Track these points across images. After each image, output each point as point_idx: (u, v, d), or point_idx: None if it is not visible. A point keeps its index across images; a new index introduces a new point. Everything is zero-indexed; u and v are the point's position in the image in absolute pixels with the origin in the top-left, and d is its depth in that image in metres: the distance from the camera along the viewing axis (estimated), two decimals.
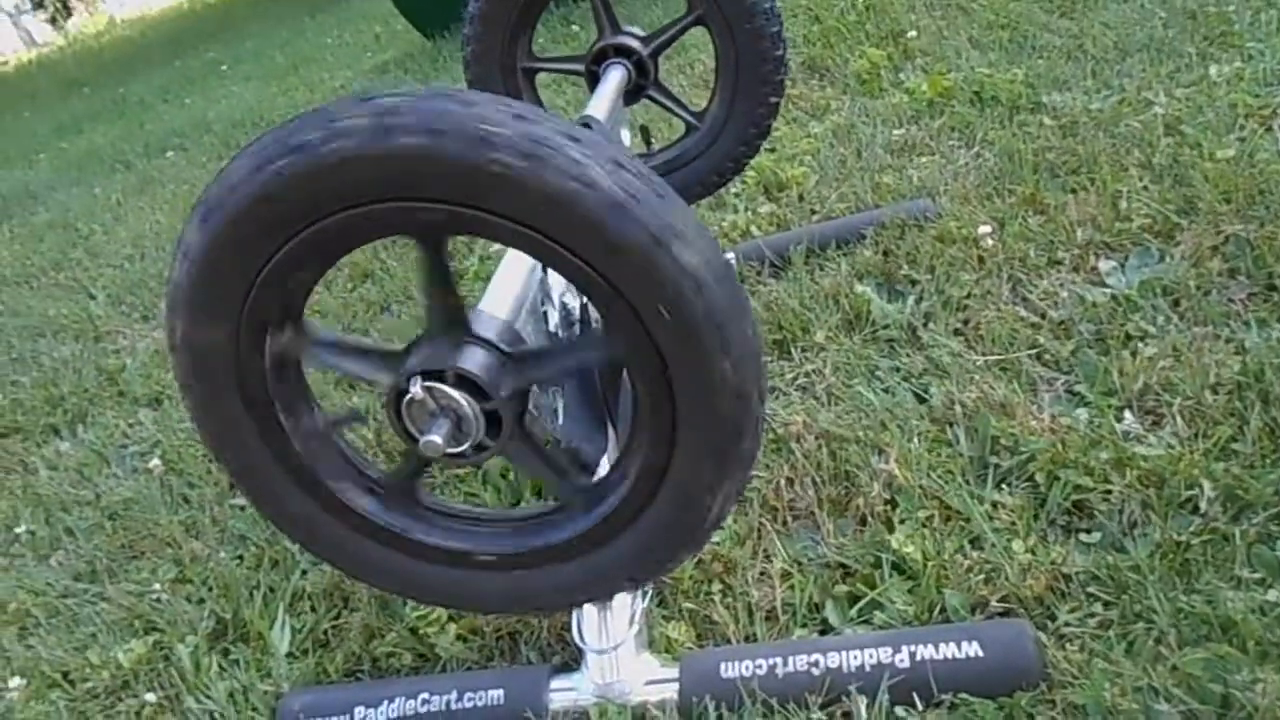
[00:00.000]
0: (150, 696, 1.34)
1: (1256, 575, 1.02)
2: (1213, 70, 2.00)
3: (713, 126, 1.73)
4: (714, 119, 1.73)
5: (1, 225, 4.52)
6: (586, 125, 1.32)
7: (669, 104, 1.75)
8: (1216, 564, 1.05)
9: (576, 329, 1.22)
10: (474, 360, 0.86)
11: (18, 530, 1.85)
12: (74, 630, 1.53)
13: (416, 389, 0.86)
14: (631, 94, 1.71)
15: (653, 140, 1.84)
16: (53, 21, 21.18)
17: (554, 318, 1.19)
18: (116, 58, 11.43)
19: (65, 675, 1.44)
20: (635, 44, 1.69)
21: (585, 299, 1.23)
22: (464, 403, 0.86)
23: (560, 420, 1.13)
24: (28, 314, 3.07)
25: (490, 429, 0.89)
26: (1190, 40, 2.18)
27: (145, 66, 9.39)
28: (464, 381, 0.86)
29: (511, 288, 1.07)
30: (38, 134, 7.31)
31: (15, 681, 1.45)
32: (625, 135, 1.71)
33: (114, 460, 2.00)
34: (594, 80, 1.71)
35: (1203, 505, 1.11)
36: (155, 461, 1.91)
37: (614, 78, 1.65)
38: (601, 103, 1.55)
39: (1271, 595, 0.99)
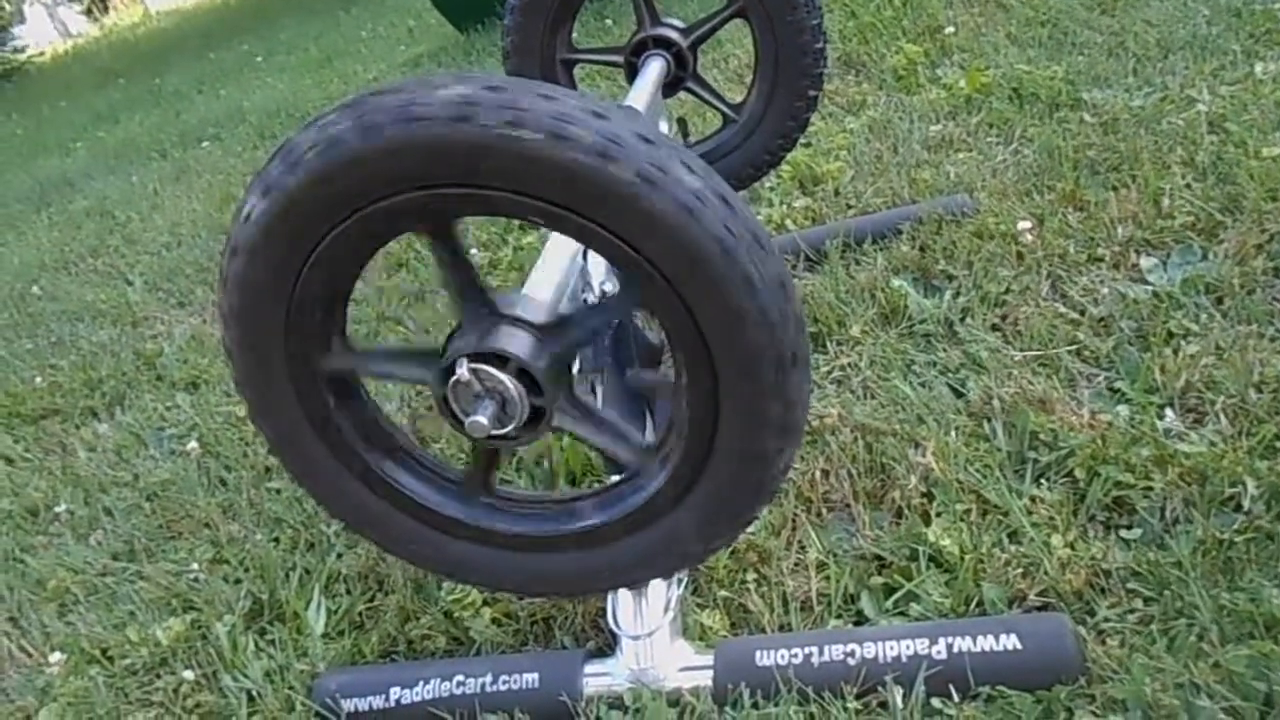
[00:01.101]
0: (188, 674, 1.36)
1: None
2: (1258, 68, 1.97)
3: (750, 119, 1.73)
4: (752, 112, 1.72)
5: (40, 212, 4.59)
6: None
7: (707, 96, 1.75)
8: (1260, 562, 1.04)
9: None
10: (507, 338, 0.87)
11: (57, 509, 1.88)
12: (113, 608, 1.56)
13: (463, 371, 0.87)
14: (670, 86, 1.71)
15: (690, 133, 1.84)
16: (89, 13, 21.44)
17: (593, 302, 1.19)
18: (152, 49, 11.56)
19: (104, 652, 1.46)
20: (675, 35, 1.69)
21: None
22: (506, 381, 0.87)
23: (599, 408, 1.14)
24: (66, 299, 3.12)
25: (535, 407, 0.90)
26: (1235, 38, 2.15)
27: (180, 58, 9.49)
28: (503, 361, 0.87)
29: (552, 273, 1.08)
30: (75, 123, 7.41)
31: (55, 657, 1.48)
32: (664, 127, 1.71)
33: (151, 442, 2.03)
34: (633, 72, 1.71)
35: (1246, 503, 1.10)
36: (193, 444, 1.94)
37: (653, 69, 1.65)
38: (640, 94, 1.56)
39: None
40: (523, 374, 0.87)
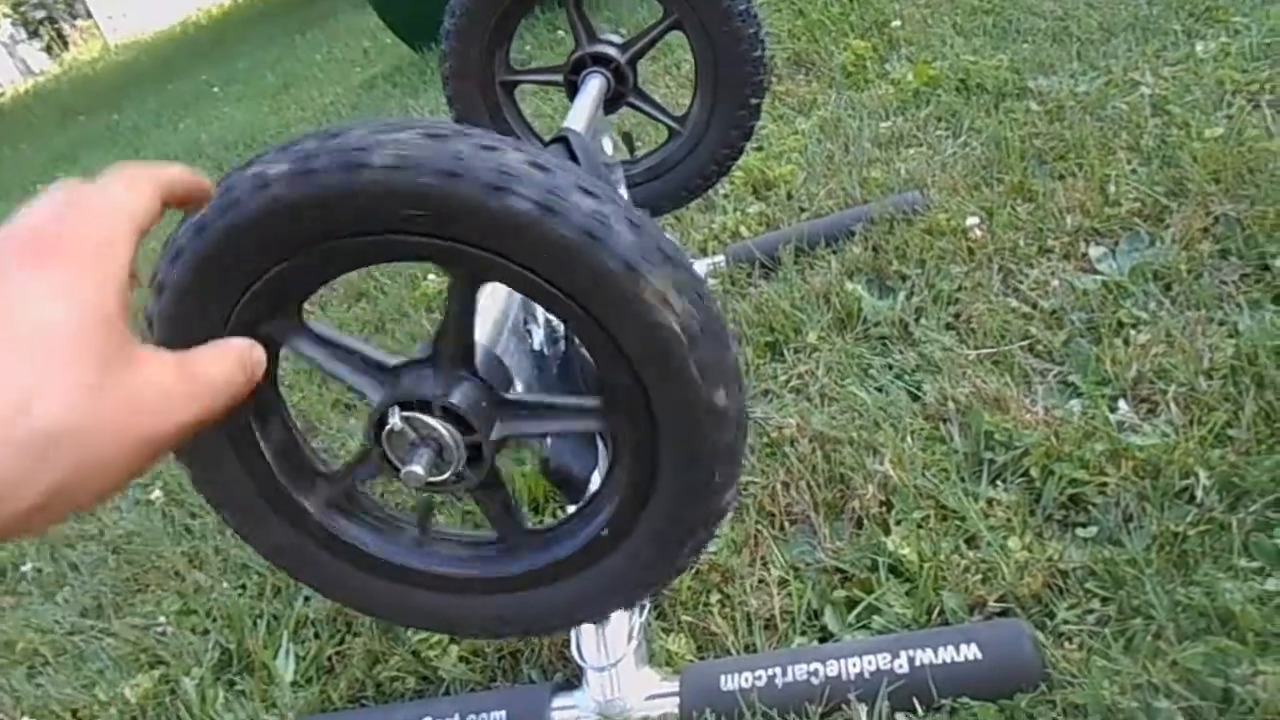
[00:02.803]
0: None
1: (1255, 564, 1.01)
2: (1199, 47, 1.98)
3: (695, 130, 1.72)
4: (696, 123, 1.72)
5: None
6: (563, 139, 1.31)
7: (649, 110, 1.74)
8: (1214, 554, 1.04)
9: (561, 345, 1.21)
10: (470, 398, 0.86)
11: (24, 569, 1.86)
12: (81, 667, 1.54)
13: (396, 420, 0.86)
14: (611, 102, 1.70)
15: (636, 146, 1.83)
16: (48, 50, 21.27)
17: (538, 335, 1.18)
18: (111, 84, 11.47)
19: (74, 714, 1.44)
20: (613, 51, 1.68)
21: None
22: (448, 435, 0.86)
23: (549, 441, 1.13)
24: None
25: (469, 464, 0.88)
26: (1175, 17, 2.16)
27: (139, 91, 9.42)
28: (455, 417, 0.86)
29: (490, 311, 1.07)
30: (35, 164, 7.34)
31: None
32: (608, 144, 1.70)
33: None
34: (574, 90, 1.70)
35: (1199, 495, 1.10)
36: (157, 493, 1.92)
37: (593, 87, 1.64)
38: (581, 113, 1.54)
39: (1270, 584, 0.98)
40: (456, 418, 0.86)
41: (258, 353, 0.52)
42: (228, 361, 0.48)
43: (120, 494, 1.97)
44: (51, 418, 0.38)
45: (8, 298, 0.40)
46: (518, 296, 1.14)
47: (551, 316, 1.18)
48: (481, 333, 0.99)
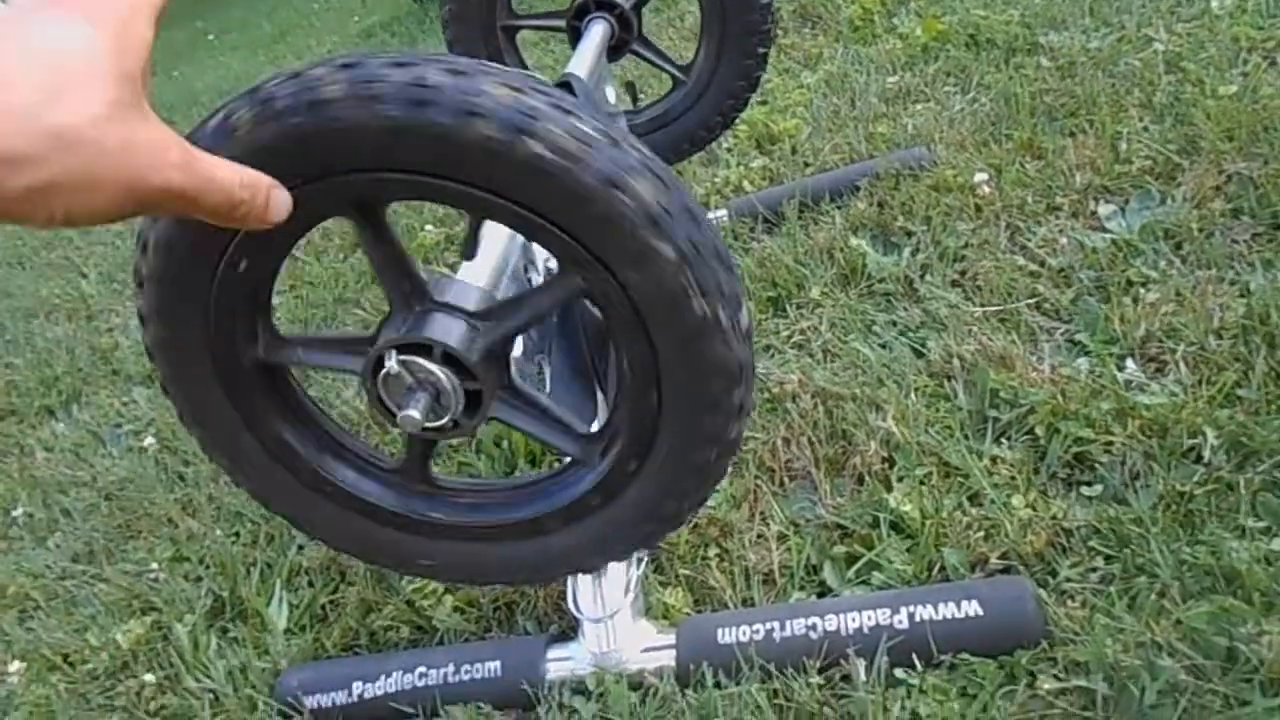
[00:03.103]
0: (149, 677, 1.33)
1: (1261, 524, 1.00)
2: (1214, 3, 1.94)
3: (699, 81, 1.69)
4: (700, 73, 1.68)
5: None
6: (566, 85, 1.28)
7: (654, 59, 1.70)
8: (1220, 514, 1.03)
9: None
10: (440, 328, 0.83)
11: (15, 513, 1.85)
12: (73, 612, 1.53)
13: (392, 364, 0.84)
14: (615, 50, 1.66)
15: (640, 96, 1.79)
16: None
17: (537, 281, 1.16)
18: None
19: (65, 658, 1.44)
20: None
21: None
22: (439, 373, 0.84)
23: (548, 389, 1.11)
24: (20, 295, 3.05)
25: (471, 397, 0.86)
26: None
27: None
28: (429, 350, 0.84)
29: (491, 252, 1.05)
30: None
31: (15, 665, 1.45)
32: (610, 93, 1.66)
33: (109, 440, 1.99)
34: (576, 36, 1.66)
35: (1206, 454, 1.08)
36: (150, 440, 1.90)
37: (596, 33, 1.60)
38: (583, 60, 1.51)
39: (1277, 544, 0.97)
40: (456, 364, 0.84)
41: (280, 192, 0.59)
42: (234, 174, 0.54)
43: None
44: (67, 119, 0.44)
45: (30, 28, 0.45)
46: (518, 241, 1.11)
47: (549, 256, 1.16)
48: (480, 277, 0.97)
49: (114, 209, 0.48)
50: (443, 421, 0.86)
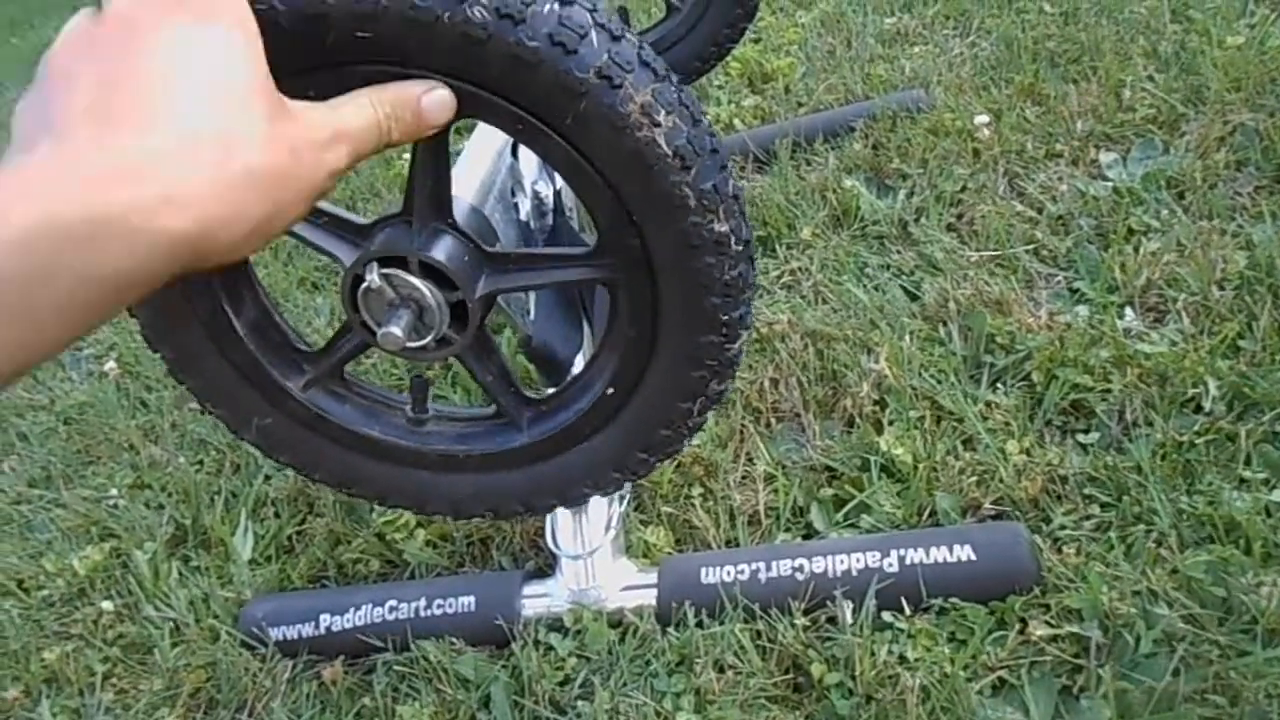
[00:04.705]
0: (107, 605, 1.29)
1: (1261, 475, 0.98)
2: None
3: (695, 8, 1.62)
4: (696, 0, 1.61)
5: None
6: None
7: None
8: (1220, 464, 1.00)
9: (549, 219, 1.13)
10: (451, 253, 0.78)
11: None
12: (28, 537, 1.47)
13: (373, 277, 0.78)
14: None
15: (630, 22, 1.72)
16: None
17: (525, 207, 1.10)
18: None
19: (20, 584, 1.38)
20: None
21: (557, 189, 1.14)
22: (429, 294, 0.78)
23: (532, 316, 1.06)
24: None
25: (453, 326, 0.81)
26: None
27: None
28: (434, 273, 0.78)
29: (478, 171, 0.99)
30: None
31: None
32: None
33: (69, 364, 1.92)
34: None
35: (1207, 404, 1.06)
36: (111, 365, 1.83)
37: None
38: None
39: (1277, 495, 0.95)
40: (435, 274, 0.79)
41: (434, 94, 0.60)
42: (367, 112, 0.55)
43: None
44: (249, 159, 0.44)
45: (173, 46, 0.44)
46: (505, 162, 1.06)
47: (537, 183, 1.11)
48: (468, 191, 0.91)
49: (305, 209, 0.49)
50: (425, 340, 0.81)
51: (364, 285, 0.78)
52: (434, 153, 0.74)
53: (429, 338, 0.80)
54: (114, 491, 1.50)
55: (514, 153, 1.07)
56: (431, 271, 0.77)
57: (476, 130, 1.04)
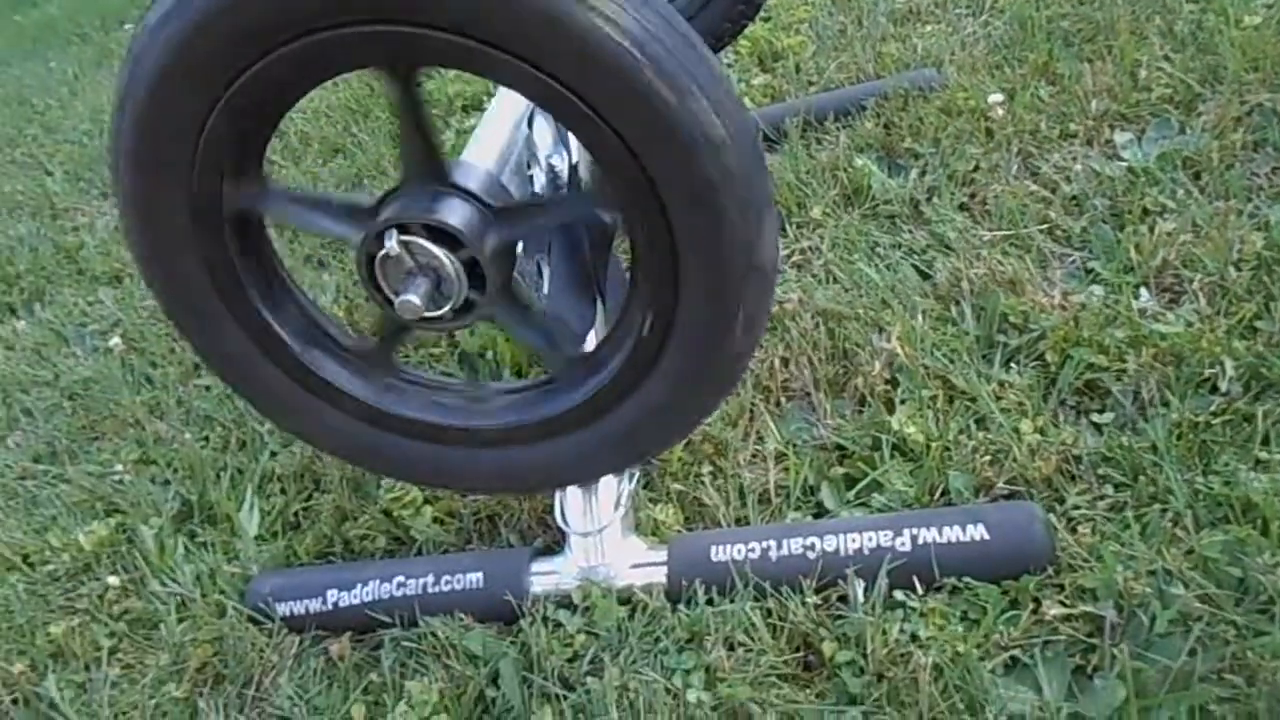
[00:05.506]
0: (113, 580, 1.28)
1: (1278, 456, 0.97)
2: None
3: None
4: None
5: None
6: None
7: None
8: (1236, 445, 0.99)
9: (564, 193, 1.12)
10: (454, 212, 0.77)
11: None
12: (33, 512, 1.47)
13: (392, 244, 0.78)
14: None
15: None
16: None
17: (540, 180, 1.09)
18: None
19: (25, 558, 1.38)
20: None
21: (573, 163, 1.13)
22: (444, 259, 0.78)
23: (546, 290, 1.05)
24: None
25: (474, 288, 0.80)
26: None
27: None
28: (443, 236, 0.77)
29: (496, 140, 0.98)
30: None
31: None
32: None
33: (73, 339, 1.91)
34: None
35: (1223, 384, 1.05)
36: (116, 340, 1.82)
37: None
38: None
39: None
40: (444, 236, 0.78)
41: None
42: None
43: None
44: None
45: None
46: (521, 133, 1.05)
47: (551, 156, 1.09)
48: (484, 157, 0.90)
49: None
50: (443, 310, 0.80)
51: (382, 253, 0.77)
52: (414, 118, 0.74)
53: (449, 305, 0.79)
54: (119, 467, 1.49)
55: (529, 124, 1.06)
56: (443, 235, 0.76)
57: (494, 100, 1.03)
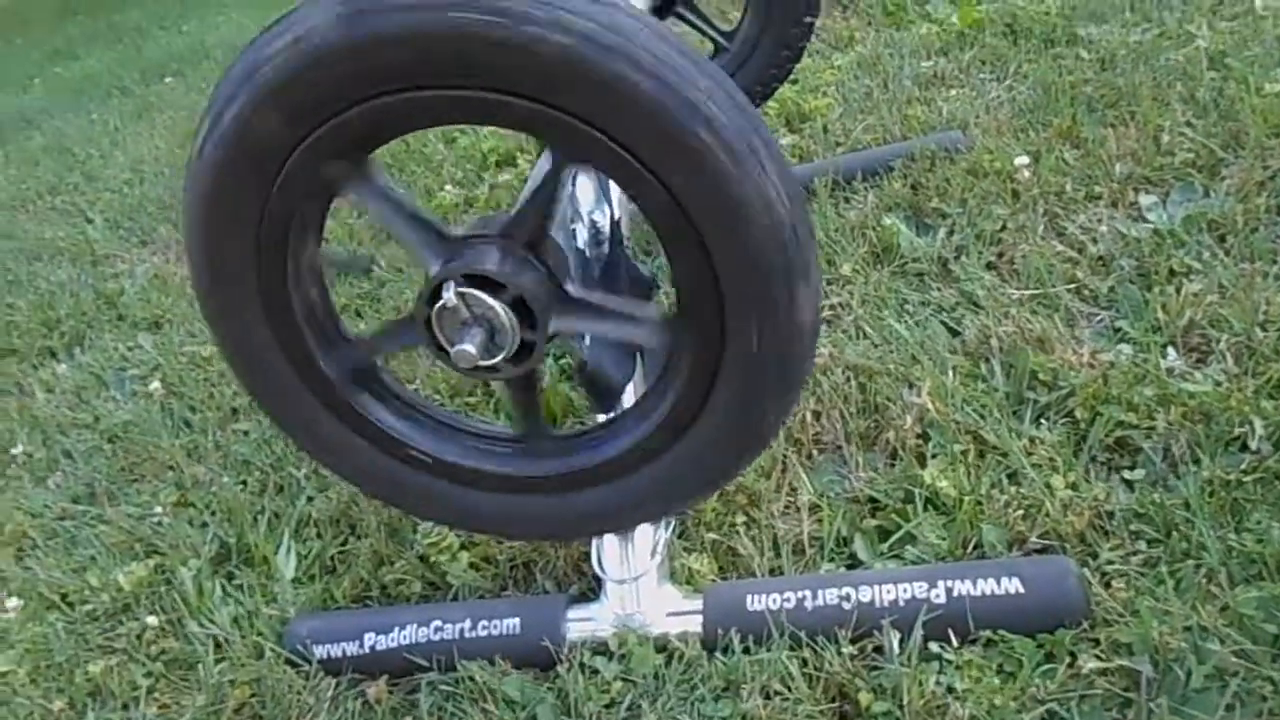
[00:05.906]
0: (151, 620, 1.30)
1: None
2: (1258, 3, 1.92)
3: (743, 47, 1.66)
4: (745, 38, 1.65)
5: None
6: None
7: (697, 21, 1.67)
8: (1268, 502, 1.01)
9: (605, 248, 1.16)
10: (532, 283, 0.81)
11: (14, 451, 1.81)
12: (72, 552, 1.49)
13: (450, 295, 0.81)
14: (658, 12, 1.63)
15: None
16: None
17: (582, 235, 1.13)
18: None
19: (64, 597, 1.40)
20: None
21: (614, 218, 1.17)
22: (502, 315, 0.81)
23: (587, 342, 1.08)
24: (23, 238, 2.99)
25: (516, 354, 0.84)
26: None
27: None
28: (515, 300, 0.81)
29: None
30: (31, 59, 7.13)
31: (13, 602, 1.42)
32: None
33: (113, 383, 1.95)
34: None
35: (1253, 443, 1.06)
36: (155, 385, 1.86)
37: None
38: None
39: None
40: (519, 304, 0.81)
41: None
42: None
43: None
44: None
45: None
46: (566, 190, 1.08)
47: (594, 212, 1.13)
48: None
49: None
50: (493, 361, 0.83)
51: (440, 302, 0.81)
52: (556, 180, 0.77)
53: (497, 358, 0.83)
54: (158, 509, 1.52)
55: (573, 182, 1.09)
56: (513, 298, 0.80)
57: (541, 160, 1.07)
